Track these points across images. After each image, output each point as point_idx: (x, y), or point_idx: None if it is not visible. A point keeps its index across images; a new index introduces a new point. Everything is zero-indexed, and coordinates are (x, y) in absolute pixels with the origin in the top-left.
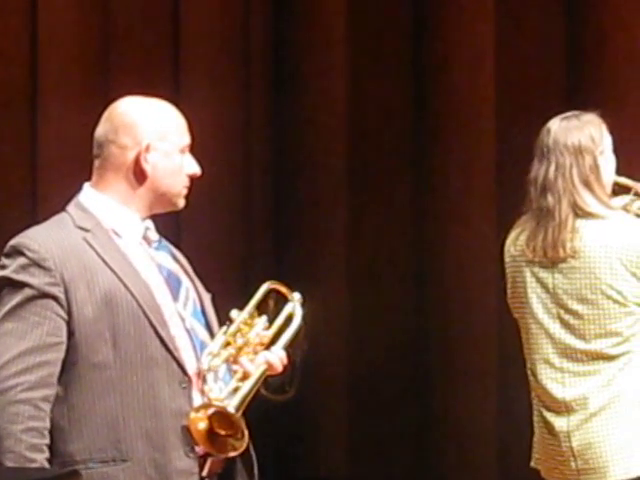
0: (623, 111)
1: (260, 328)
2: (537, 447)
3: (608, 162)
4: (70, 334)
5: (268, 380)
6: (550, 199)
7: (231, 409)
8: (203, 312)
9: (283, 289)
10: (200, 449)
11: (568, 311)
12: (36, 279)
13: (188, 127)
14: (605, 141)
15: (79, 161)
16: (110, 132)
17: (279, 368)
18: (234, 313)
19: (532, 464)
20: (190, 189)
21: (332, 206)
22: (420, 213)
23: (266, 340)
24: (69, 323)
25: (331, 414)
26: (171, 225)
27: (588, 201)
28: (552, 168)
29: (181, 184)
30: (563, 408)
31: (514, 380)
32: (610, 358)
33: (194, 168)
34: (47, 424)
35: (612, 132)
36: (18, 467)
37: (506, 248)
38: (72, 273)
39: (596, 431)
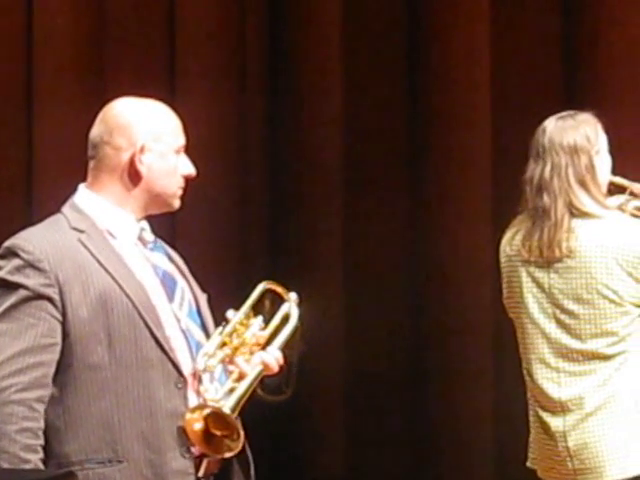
0: (619, 110)
1: (256, 328)
2: (533, 447)
3: (604, 162)
4: (65, 335)
5: (265, 381)
6: (546, 199)
7: (227, 410)
8: (199, 312)
9: (279, 289)
10: (196, 450)
11: (564, 311)
12: (31, 280)
13: (183, 128)
14: (601, 141)
15: (74, 162)
16: (105, 133)
17: (275, 368)
18: (230, 313)
19: (528, 464)
20: (185, 190)
21: (328, 206)
22: (416, 213)
23: (262, 340)
24: (64, 324)
25: (327, 415)
26: (167, 225)
27: (584, 201)
28: (548, 168)
29: (176, 185)
30: (559, 408)
31: (510, 380)
32: (606, 358)
33: (189, 169)
34: (41, 425)
35: (608, 132)
36: (13, 468)
37: (502, 248)
38: (67, 274)
39: (592, 431)
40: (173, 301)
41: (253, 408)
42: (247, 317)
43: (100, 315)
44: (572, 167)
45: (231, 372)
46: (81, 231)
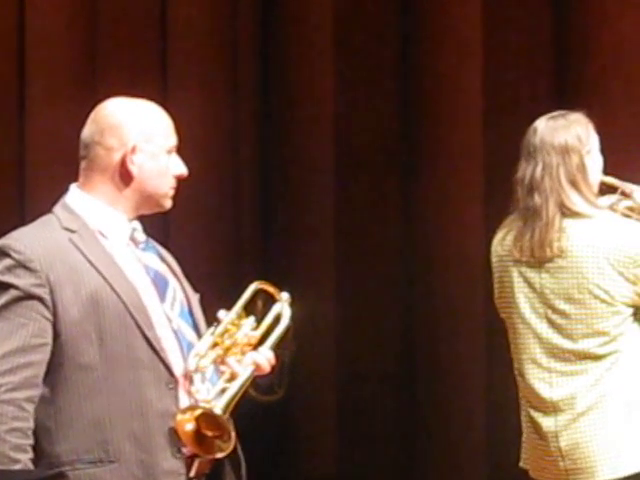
0: (610, 110)
1: (248, 328)
2: (525, 447)
3: (595, 161)
4: (56, 335)
5: (257, 381)
6: (537, 199)
7: (218, 410)
8: (190, 312)
9: (271, 289)
10: (187, 450)
11: (555, 311)
12: (22, 280)
13: (175, 128)
14: (592, 140)
15: (66, 162)
16: (96, 133)
17: (267, 369)
18: (222, 313)
19: (521, 464)
20: (177, 190)
21: (320, 206)
22: (408, 213)
23: (254, 341)
24: (55, 324)
25: (319, 415)
26: (159, 225)
27: (575, 201)
28: (539, 168)
29: (168, 185)
30: (550, 408)
31: (502, 380)
32: (597, 358)
33: (181, 169)
34: (31, 425)
35: (599, 131)
36: (2, 469)
37: (493, 248)
38: (58, 274)
39: (584, 431)
40: (164, 301)
41: (245, 409)
42: (239, 317)
43: (91, 315)
44: (563, 167)
45: (223, 372)
46: (72, 231)
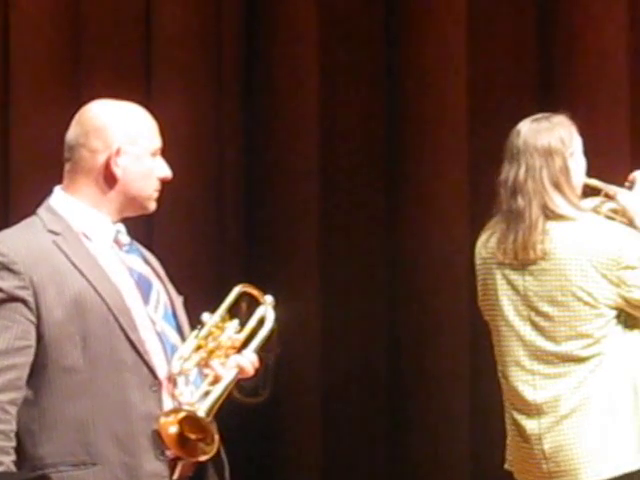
0: (594, 112)
1: (232, 331)
2: (510, 449)
3: (578, 164)
4: (39, 337)
5: (241, 383)
6: (520, 201)
7: (201, 413)
8: (174, 315)
9: (255, 292)
10: (170, 453)
11: (539, 313)
12: (5, 282)
13: (159, 130)
14: (575, 143)
15: (51, 165)
16: (81, 136)
17: (250, 372)
18: (206, 316)
19: (506, 466)
20: (162, 192)
21: (304, 210)
22: (393, 215)
23: (238, 343)
24: (38, 326)
25: (303, 418)
26: (143, 228)
27: (558, 203)
28: (522, 170)
29: (152, 187)
30: (534, 410)
31: (486, 383)
32: (581, 360)
33: (165, 171)
34: (14, 427)
35: (582, 134)
36: None
37: (477, 250)
38: (41, 276)
39: (567, 433)
40: (148, 304)
41: (229, 412)
42: (223, 320)
43: (75, 318)
44: (546, 169)
45: (206, 375)
46: (56, 233)
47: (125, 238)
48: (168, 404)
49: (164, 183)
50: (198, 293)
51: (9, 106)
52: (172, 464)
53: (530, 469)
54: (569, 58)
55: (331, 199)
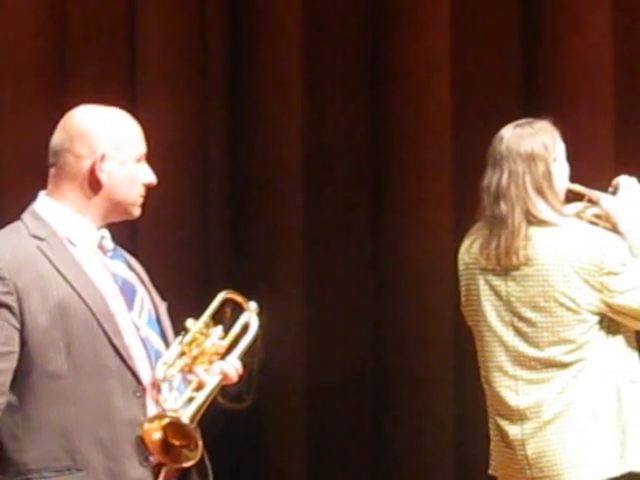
0: (577, 117)
1: (216, 338)
2: (494, 455)
3: (561, 169)
4: (23, 343)
5: (225, 389)
6: (503, 207)
7: (185, 419)
8: (158, 321)
9: (239, 298)
10: (154, 459)
11: (521, 319)
12: None
13: (144, 136)
14: (558, 148)
15: (35, 170)
16: (65, 141)
17: (234, 378)
18: (190, 322)
19: (490, 471)
20: (146, 198)
21: (289, 216)
22: (377, 222)
23: (222, 350)
24: (22, 332)
25: (288, 424)
26: (127, 233)
27: (541, 208)
28: (505, 175)
29: (136, 193)
30: (517, 416)
31: (471, 388)
32: (563, 366)
33: (150, 177)
34: None
35: (566, 139)
36: None
37: (460, 256)
38: (25, 282)
39: (550, 439)
40: (132, 309)
41: (213, 417)
42: (207, 326)
43: (59, 323)
44: (529, 175)
45: (190, 381)
46: (41, 239)
47: (109, 244)
48: (152, 410)
49: (149, 189)
50: (182, 299)
51: None
52: (156, 470)
53: (514, 474)
54: (553, 62)
55: (315, 205)
